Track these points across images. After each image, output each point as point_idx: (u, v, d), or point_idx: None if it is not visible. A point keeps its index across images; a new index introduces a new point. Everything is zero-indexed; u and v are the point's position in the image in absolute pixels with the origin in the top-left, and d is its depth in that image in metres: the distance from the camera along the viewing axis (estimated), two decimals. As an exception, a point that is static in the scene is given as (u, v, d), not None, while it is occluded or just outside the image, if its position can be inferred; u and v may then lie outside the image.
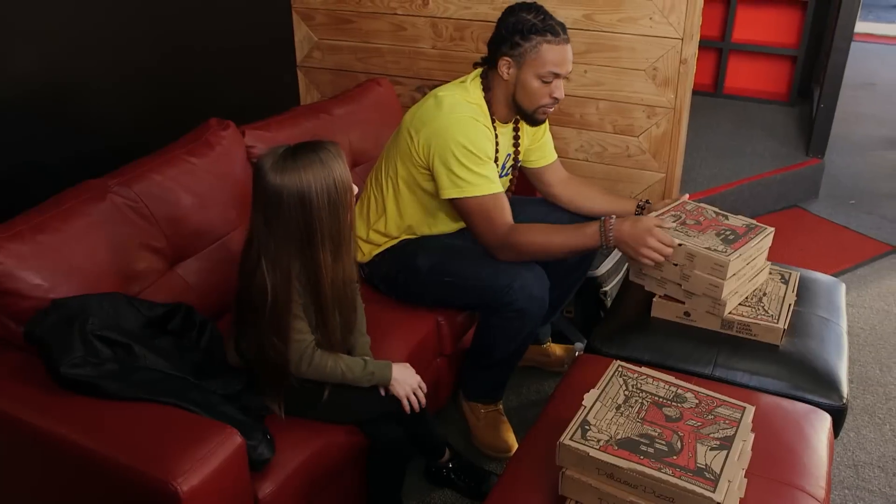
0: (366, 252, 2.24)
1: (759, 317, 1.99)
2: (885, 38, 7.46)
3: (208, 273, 1.99)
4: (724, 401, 1.50)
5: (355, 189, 1.67)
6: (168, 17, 2.70)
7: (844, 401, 1.87)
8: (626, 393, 1.49)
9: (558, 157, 3.23)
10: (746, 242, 1.97)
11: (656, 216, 2.05)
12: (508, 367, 2.24)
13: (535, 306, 2.04)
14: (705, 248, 1.92)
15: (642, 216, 2.02)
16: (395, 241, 2.21)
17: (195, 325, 1.80)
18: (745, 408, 1.49)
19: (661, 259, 1.94)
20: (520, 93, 2.06)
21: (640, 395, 1.49)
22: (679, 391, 1.51)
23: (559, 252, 2.03)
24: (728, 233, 2.00)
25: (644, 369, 1.57)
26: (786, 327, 1.97)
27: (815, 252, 3.49)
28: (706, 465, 1.33)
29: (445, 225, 2.23)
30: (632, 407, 1.46)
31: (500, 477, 1.60)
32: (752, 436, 1.50)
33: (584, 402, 1.45)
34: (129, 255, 1.84)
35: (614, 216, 1.98)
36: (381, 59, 3.42)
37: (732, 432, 1.41)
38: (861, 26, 7.69)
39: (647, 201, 2.28)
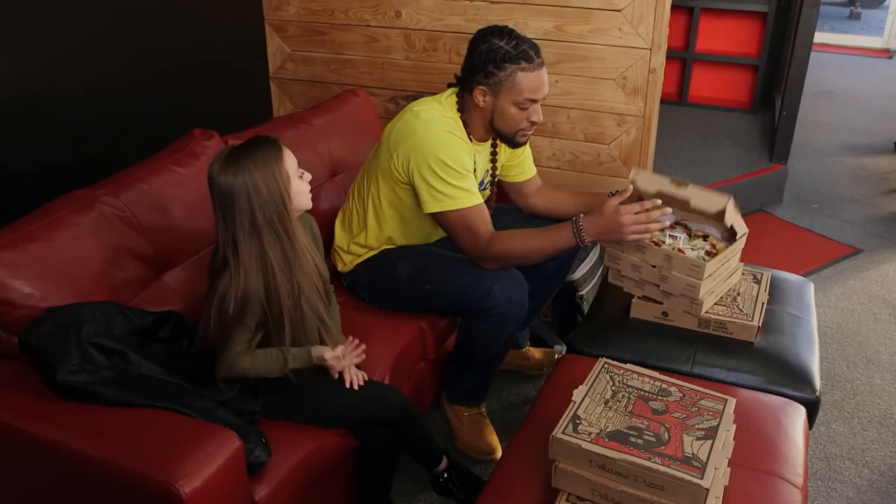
0: (347, 262, 2.27)
1: (734, 315, 2.06)
2: (841, 48, 7.69)
3: (195, 281, 2.00)
4: (707, 394, 1.56)
5: (309, 176, 1.76)
6: (141, 29, 2.71)
7: (817, 394, 1.94)
8: (613, 388, 1.54)
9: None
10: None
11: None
12: (490, 370, 2.28)
13: (514, 309, 2.08)
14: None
15: (604, 205, 2.00)
16: (375, 252, 2.24)
17: (186, 332, 1.82)
18: (727, 400, 1.55)
19: (651, 231, 1.95)
20: (498, 119, 2.07)
21: (627, 390, 1.55)
22: (664, 385, 1.57)
23: (539, 256, 2.07)
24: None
25: (629, 366, 1.62)
26: (759, 325, 2.04)
27: (782, 254, 3.60)
28: (693, 453, 1.38)
29: (425, 236, 2.26)
30: (619, 401, 1.51)
31: (492, 473, 1.64)
32: (735, 426, 1.56)
33: (573, 398, 1.50)
34: (118, 264, 1.85)
35: (583, 215, 2.01)
36: (355, 71, 3.46)
37: (716, 423, 1.47)
38: (817, 36, 7.91)
39: (616, 192, 2.31)
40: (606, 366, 1.62)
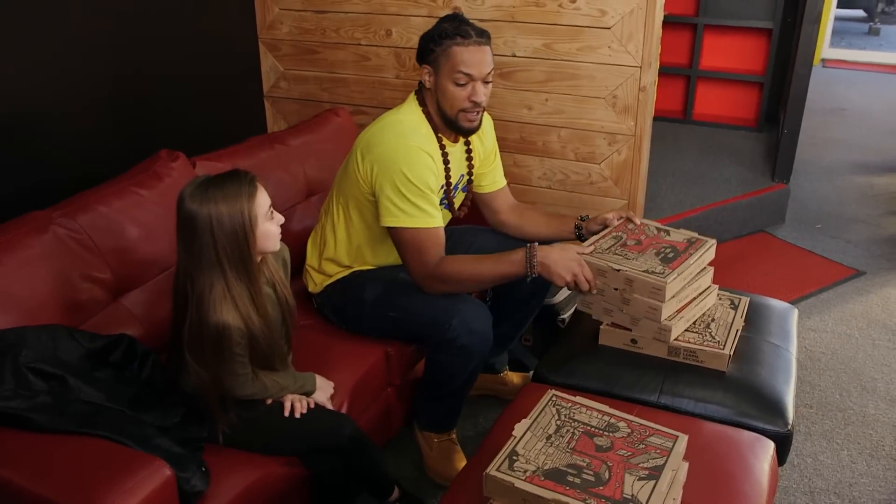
0: (317, 282, 2.24)
1: (705, 343, 1.99)
2: (856, 64, 7.58)
3: (154, 304, 1.98)
4: (657, 430, 1.50)
5: (281, 218, 1.70)
6: (133, 48, 2.71)
7: (789, 427, 1.87)
8: (558, 423, 1.49)
9: (521, 185, 3.26)
10: (686, 259, 1.97)
11: (596, 239, 2.08)
12: (459, 398, 2.23)
13: (476, 342, 2.03)
14: (643, 271, 1.92)
15: (568, 245, 2.01)
16: (346, 273, 2.21)
17: (137, 356, 1.79)
18: (677, 437, 1.49)
19: (577, 286, 1.97)
20: (441, 99, 2.06)
21: (572, 424, 1.49)
22: (612, 420, 1.51)
23: (489, 280, 2.03)
24: (668, 250, 2.01)
25: (579, 398, 1.57)
26: (731, 353, 1.97)
27: (780, 276, 3.51)
28: (632, 495, 1.32)
29: (394, 254, 2.22)
30: (562, 437, 1.45)
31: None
32: (686, 465, 1.50)
33: (514, 433, 1.45)
34: (72, 287, 1.83)
35: (537, 243, 1.99)
36: (346, 89, 3.45)
37: (662, 462, 1.41)
38: (833, 52, 7.83)
39: (585, 216, 2.29)
40: (554, 398, 1.56)
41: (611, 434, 1.47)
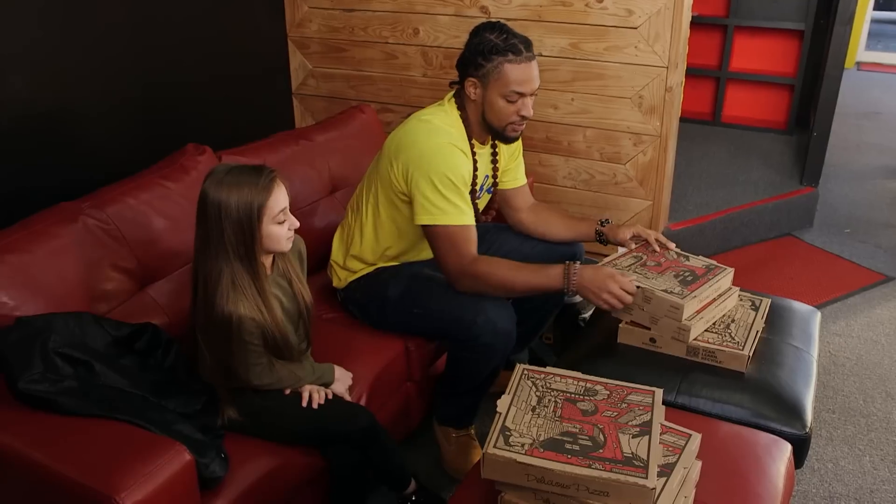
0: (342, 278, 2.27)
1: (724, 343, 1.98)
2: (892, 68, 7.45)
3: (179, 294, 2.02)
4: (634, 388, 1.52)
5: (295, 223, 1.73)
6: (164, 48, 2.76)
7: (807, 430, 1.86)
8: (538, 394, 1.50)
9: (546, 184, 3.26)
10: (703, 283, 2.02)
11: (616, 256, 2.13)
12: (478, 395, 2.24)
13: (500, 341, 2.03)
14: (661, 290, 1.97)
15: (602, 266, 2.01)
16: (370, 269, 2.23)
17: (161, 344, 1.83)
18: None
19: (620, 305, 1.97)
20: (488, 112, 2.07)
21: (552, 393, 1.50)
22: (588, 385, 1.52)
23: (521, 289, 2.02)
24: (686, 274, 2.05)
25: (549, 369, 1.58)
26: (751, 354, 1.96)
27: (806, 280, 3.47)
28: (633, 453, 1.33)
29: (420, 252, 2.24)
30: (546, 406, 1.46)
31: (450, 497, 1.61)
32: (699, 464, 1.51)
33: (498, 409, 1.45)
34: (99, 276, 1.87)
35: (578, 263, 1.99)
36: (373, 87, 3.48)
37: (648, 417, 1.42)
38: (868, 55, 7.70)
39: (606, 220, 2.30)
40: (526, 372, 1.58)
41: (591, 398, 1.48)
